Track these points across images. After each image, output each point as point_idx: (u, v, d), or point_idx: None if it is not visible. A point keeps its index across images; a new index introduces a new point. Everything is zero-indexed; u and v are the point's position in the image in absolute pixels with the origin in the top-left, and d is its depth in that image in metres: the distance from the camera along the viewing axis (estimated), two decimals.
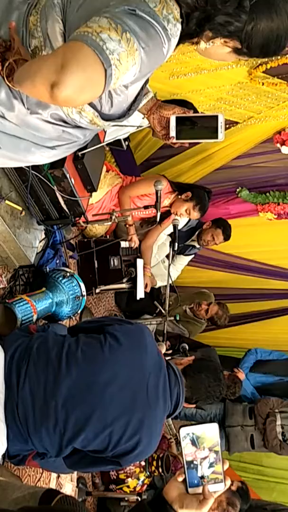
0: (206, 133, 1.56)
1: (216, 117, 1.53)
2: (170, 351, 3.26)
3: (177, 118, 1.55)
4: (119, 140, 3.21)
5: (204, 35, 1.27)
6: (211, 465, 1.23)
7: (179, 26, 1.21)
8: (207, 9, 1.20)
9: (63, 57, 1.02)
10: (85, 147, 2.02)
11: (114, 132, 2.51)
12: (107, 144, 2.92)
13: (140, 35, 1.10)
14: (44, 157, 1.44)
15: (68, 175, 2.02)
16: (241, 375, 4.32)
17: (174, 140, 1.57)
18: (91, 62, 1.04)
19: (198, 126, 1.56)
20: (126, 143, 3.39)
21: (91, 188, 2.26)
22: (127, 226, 3.26)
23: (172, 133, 1.55)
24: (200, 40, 1.29)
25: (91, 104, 1.24)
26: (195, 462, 1.22)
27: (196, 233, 4.01)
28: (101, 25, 1.06)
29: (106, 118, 1.30)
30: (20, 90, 1.21)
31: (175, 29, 1.20)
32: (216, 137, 1.55)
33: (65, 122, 1.31)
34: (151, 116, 1.61)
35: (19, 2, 1.30)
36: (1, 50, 1.21)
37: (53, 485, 2.44)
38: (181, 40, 1.26)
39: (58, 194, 2.11)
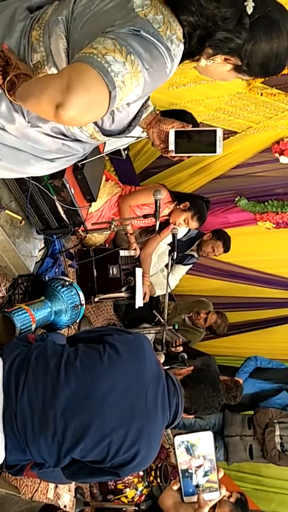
0: (204, 147, 1.59)
1: (214, 131, 1.56)
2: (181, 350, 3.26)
3: (176, 132, 1.57)
4: (118, 150, 3.23)
5: (205, 52, 1.28)
6: (206, 474, 1.23)
7: (182, 46, 1.23)
8: (208, 26, 1.22)
9: (68, 78, 1.04)
10: (85, 158, 2.03)
11: (114, 143, 2.53)
12: (106, 154, 2.93)
13: (144, 56, 1.12)
14: (43, 169, 1.45)
15: (68, 185, 2.03)
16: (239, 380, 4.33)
17: (173, 154, 1.59)
18: (96, 84, 1.05)
19: (196, 140, 1.59)
20: (126, 152, 3.40)
21: (90, 198, 2.27)
22: (128, 235, 3.27)
23: (171, 147, 1.58)
24: (200, 57, 1.30)
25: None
26: (190, 470, 1.23)
27: (196, 243, 4.02)
28: (106, 47, 1.08)
29: (106, 133, 1.32)
30: (22, 106, 1.22)
31: (178, 49, 1.22)
32: (215, 151, 1.57)
33: (65, 135, 1.33)
34: (151, 130, 1.63)
35: (22, 16, 1.32)
36: (2, 64, 1.22)
37: (51, 495, 2.42)
38: (183, 59, 1.28)
39: (57, 204, 2.12)
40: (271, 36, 1.22)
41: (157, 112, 1.65)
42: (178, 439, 1.23)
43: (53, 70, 1.27)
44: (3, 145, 1.32)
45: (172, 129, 1.58)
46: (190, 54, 1.29)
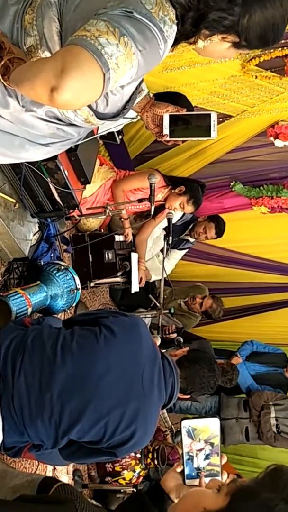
0: (199, 131, 1.59)
1: (209, 115, 1.56)
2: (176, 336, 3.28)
3: (171, 116, 1.57)
4: (112, 134, 3.21)
5: (202, 34, 1.27)
6: (207, 457, 1.24)
7: (174, 27, 1.22)
8: (201, 8, 1.21)
9: (62, 61, 1.03)
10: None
11: (107, 125, 2.50)
12: (101, 138, 2.92)
13: (137, 38, 1.11)
14: (38, 154, 1.44)
15: (61, 167, 2.02)
16: (238, 360, 4.36)
17: (168, 138, 1.58)
18: (90, 67, 1.05)
19: (191, 124, 1.59)
20: (120, 137, 3.39)
21: (84, 180, 2.26)
22: (122, 220, 3.26)
23: (166, 131, 1.57)
24: (197, 39, 1.29)
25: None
26: (191, 453, 1.24)
27: (190, 227, 4.02)
28: (99, 29, 1.07)
29: (100, 117, 1.31)
30: (16, 90, 1.21)
31: (171, 31, 1.20)
32: (209, 135, 1.57)
33: (59, 120, 1.32)
34: (145, 114, 1.62)
35: (15, 0, 1.30)
36: None
37: None
38: (177, 41, 1.27)
39: (51, 186, 2.10)
40: (265, 6, 1.20)
41: (151, 96, 1.63)
42: (184, 423, 1.24)
43: (47, 54, 1.26)
44: None
45: (167, 113, 1.57)
46: (185, 36, 1.28)
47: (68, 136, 1.41)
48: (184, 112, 1.59)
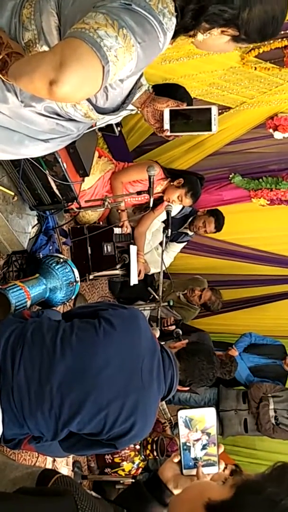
0: (199, 126, 1.59)
1: (209, 110, 1.55)
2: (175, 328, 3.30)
3: (171, 111, 1.57)
4: (111, 126, 3.18)
5: (201, 27, 1.27)
6: (204, 447, 1.25)
7: (174, 20, 1.21)
8: (201, 0, 1.21)
9: (61, 54, 1.03)
10: None
11: (106, 117, 2.50)
12: (99, 130, 2.90)
13: (136, 30, 1.11)
14: (37, 151, 1.44)
15: (60, 160, 2.02)
16: (234, 352, 4.38)
17: (168, 133, 1.59)
18: (89, 59, 1.04)
19: (191, 119, 1.59)
20: (119, 128, 3.36)
21: (83, 172, 2.25)
22: (119, 211, 3.25)
23: (166, 126, 1.57)
24: (197, 32, 1.29)
25: (87, 98, 1.24)
26: (188, 443, 1.25)
27: (189, 220, 4.02)
28: (98, 22, 1.06)
29: (100, 111, 1.30)
30: (15, 84, 1.20)
31: (170, 23, 1.20)
32: (210, 129, 1.57)
33: (58, 115, 1.32)
34: (145, 110, 1.62)
35: None
36: None
37: None
38: (177, 34, 1.27)
39: (50, 178, 2.10)
40: (265, 0, 1.21)
41: (151, 91, 1.63)
42: (181, 413, 1.25)
43: (45, 48, 1.26)
44: None
45: (167, 108, 1.57)
46: (185, 29, 1.27)
47: (68, 132, 1.41)
48: (184, 106, 1.59)
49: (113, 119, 2.36)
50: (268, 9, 1.22)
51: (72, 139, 1.51)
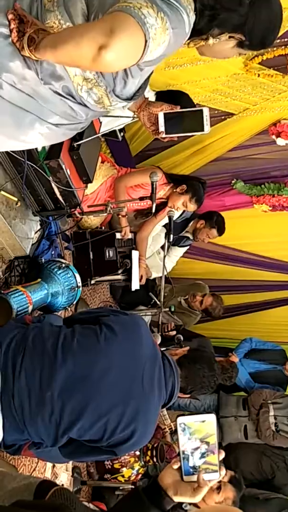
0: (193, 126, 1.69)
1: (201, 111, 1.67)
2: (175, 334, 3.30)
3: (165, 114, 1.67)
4: (114, 131, 3.20)
5: (213, 32, 1.37)
6: (202, 456, 1.24)
7: (194, 18, 1.32)
8: (216, 7, 1.32)
9: (112, 23, 1.11)
10: (81, 138, 2.02)
11: (109, 123, 2.51)
12: (102, 135, 2.91)
13: (170, 17, 1.21)
14: (43, 137, 1.46)
15: (63, 166, 2.02)
16: (234, 358, 4.37)
17: (164, 135, 1.68)
18: (136, 32, 1.13)
19: (185, 121, 1.69)
20: (122, 134, 3.37)
21: (86, 179, 2.25)
22: (120, 217, 3.26)
23: (161, 128, 1.68)
24: (209, 36, 1.39)
25: (106, 82, 1.32)
26: (186, 452, 1.24)
27: (190, 224, 4.02)
28: (140, 2, 1.16)
29: (117, 94, 1.38)
30: (46, 58, 1.23)
31: (192, 20, 1.30)
32: (202, 129, 1.68)
33: (73, 97, 1.37)
34: (141, 113, 1.73)
35: None
36: (16, 22, 1.23)
37: (48, 475, 2.45)
38: (192, 35, 1.36)
39: (53, 185, 2.10)
40: (270, 8, 1.34)
41: (146, 96, 1.73)
42: (179, 420, 1.24)
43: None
44: (10, 105, 1.33)
45: (161, 111, 1.67)
46: (199, 31, 1.37)
47: (77, 118, 1.45)
48: (177, 109, 1.69)
49: (115, 126, 2.40)
50: (272, 17, 1.35)
51: (78, 130, 1.56)
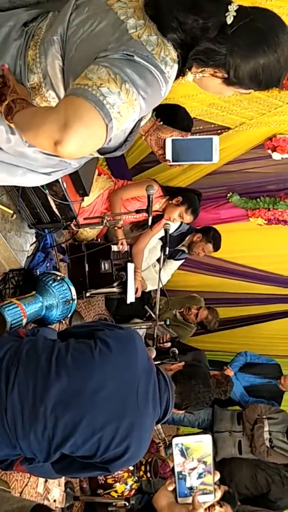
0: (201, 155, 1.62)
1: (210, 140, 1.59)
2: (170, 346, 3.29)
3: (173, 141, 1.60)
4: None
5: (193, 66, 1.27)
6: (200, 476, 1.23)
7: (175, 66, 1.23)
8: (190, 42, 1.21)
9: (65, 114, 1.04)
10: None
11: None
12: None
13: (139, 83, 1.13)
14: (39, 181, 1.48)
15: (60, 179, 2.02)
16: (229, 372, 4.36)
17: (170, 163, 1.62)
18: (93, 119, 1.06)
19: (193, 148, 1.62)
20: None
21: (83, 192, 2.26)
22: (116, 229, 3.26)
23: (168, 156, 1.61)
24: (187, 71, 1.28)
25: None
26: (183, 472, 1.23)
27: (186, 239, 4.03)
28: (101, 77, 1.08)
29: (102, 152, 1.32)
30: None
31: (172, 71, 1.22)
32: (211, 159, 1.60)
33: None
34: (148, 138, 1.65)
35: (17, 35, 1.31)
36: (0, 85, 1.22)
37: (40, 490, 2.42)
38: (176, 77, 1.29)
39: (49, 198, 2.10)
40: (254, 47, 1.19)
41: (155, 118, 1.65)
42: (175, 441, 1.23)
43: (51, 92, 1.28)
44: (0, 163, 1.35)
45: (170, 137, 1.60)
46: (180, 70, 1.28)
47: (71, 166, 1.45)
48: (188, 136, 1.62)
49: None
50: (258, 58, 1.20)
51: (74, 170, 1.54)
